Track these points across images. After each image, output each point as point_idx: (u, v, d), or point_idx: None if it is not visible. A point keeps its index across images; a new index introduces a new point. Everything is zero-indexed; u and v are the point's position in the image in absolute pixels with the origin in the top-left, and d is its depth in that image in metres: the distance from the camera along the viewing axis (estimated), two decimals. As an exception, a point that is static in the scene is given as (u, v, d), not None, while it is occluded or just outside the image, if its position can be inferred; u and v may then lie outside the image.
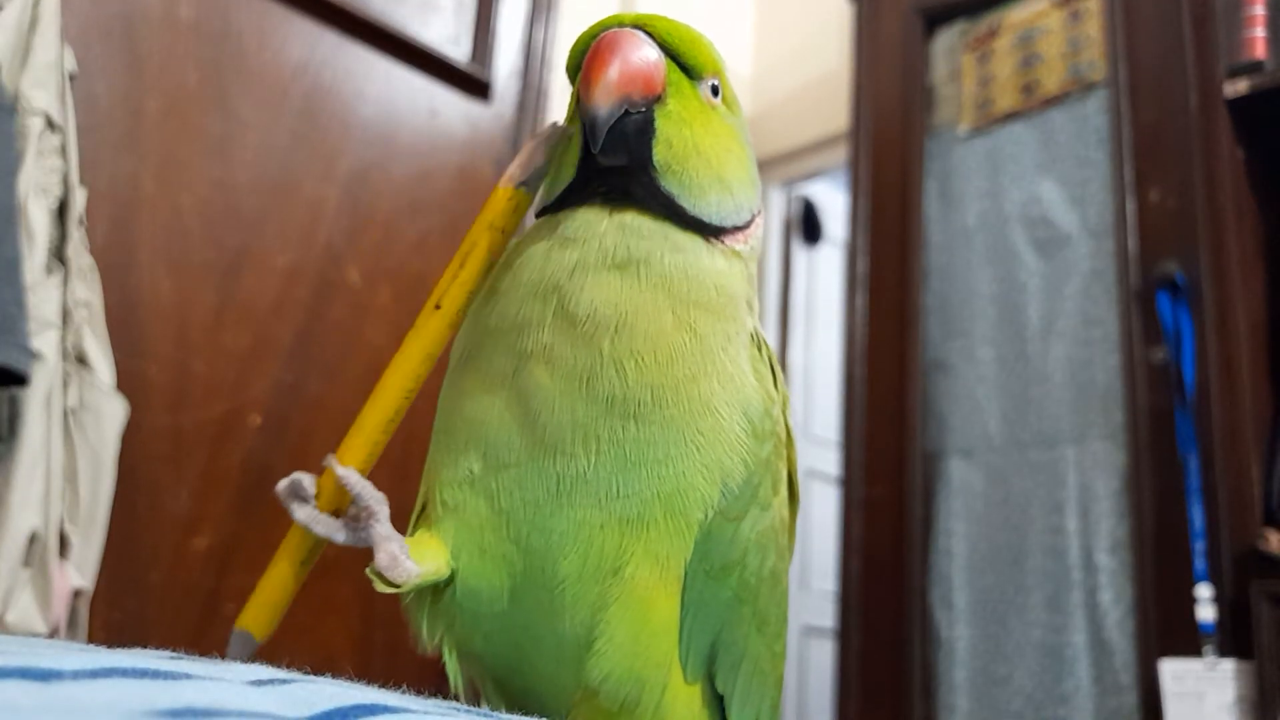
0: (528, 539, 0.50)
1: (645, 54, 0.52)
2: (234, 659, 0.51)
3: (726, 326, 0.53)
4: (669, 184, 0.52)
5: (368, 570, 0.49)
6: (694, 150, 0.53)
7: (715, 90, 0.56)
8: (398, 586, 0.49)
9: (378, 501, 0.50)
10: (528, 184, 0.53)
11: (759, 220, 0.58)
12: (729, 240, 0.54)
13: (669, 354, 0.50)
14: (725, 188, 0.54)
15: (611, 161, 0.52)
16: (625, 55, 0.50)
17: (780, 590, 0.58)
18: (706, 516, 0.50)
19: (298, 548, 0.52)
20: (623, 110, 0.50)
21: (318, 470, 0.52)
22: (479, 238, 0.53)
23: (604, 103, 0.50)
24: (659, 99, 0.53)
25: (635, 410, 0.49)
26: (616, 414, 0.49)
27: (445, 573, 0.52)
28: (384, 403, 0.52)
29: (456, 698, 0.51)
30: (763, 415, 0.53)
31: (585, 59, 0.51)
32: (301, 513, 0.50)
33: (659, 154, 0.52)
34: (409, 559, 0.49)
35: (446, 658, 0.54)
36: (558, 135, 0.54)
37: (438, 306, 0.53)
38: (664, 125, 0.53)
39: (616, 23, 0.53)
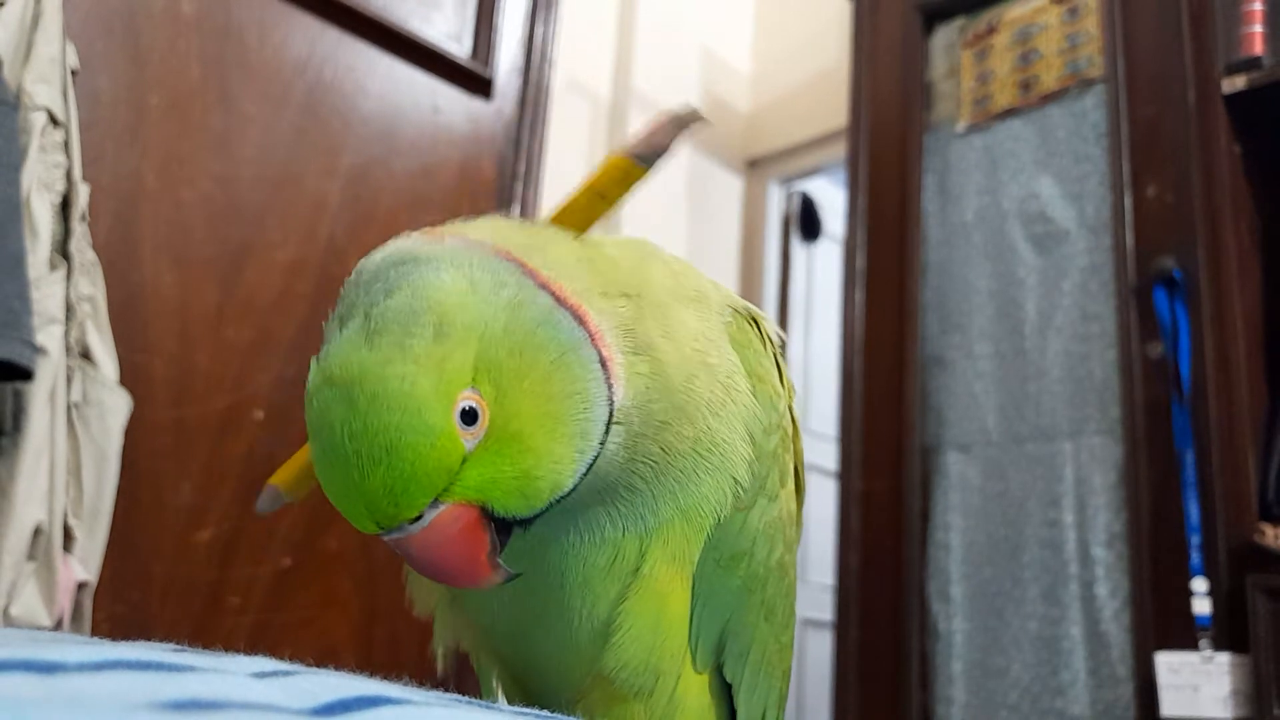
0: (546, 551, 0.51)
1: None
2: (262, 509, 0.54)
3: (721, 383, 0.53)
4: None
5: None
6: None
7: (471, 415, 0.43)
8: None
9: None
10: (644, 159, 0.50)
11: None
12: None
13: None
14: (545, 472, 0.45)
15: None
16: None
17: (787, 583, 0.59)
18: (719, 517, 0.52)
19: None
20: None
21: None
22: (581, 200, 0.49)
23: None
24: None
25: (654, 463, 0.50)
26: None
27: None
28: None
29: (446, 684, 0.52)
30: (769, 409, 0.54)
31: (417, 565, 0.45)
32: None
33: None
34: None
35: (436, 624, 0.57)
36: (688, 119, 0.50)
37: None
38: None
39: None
